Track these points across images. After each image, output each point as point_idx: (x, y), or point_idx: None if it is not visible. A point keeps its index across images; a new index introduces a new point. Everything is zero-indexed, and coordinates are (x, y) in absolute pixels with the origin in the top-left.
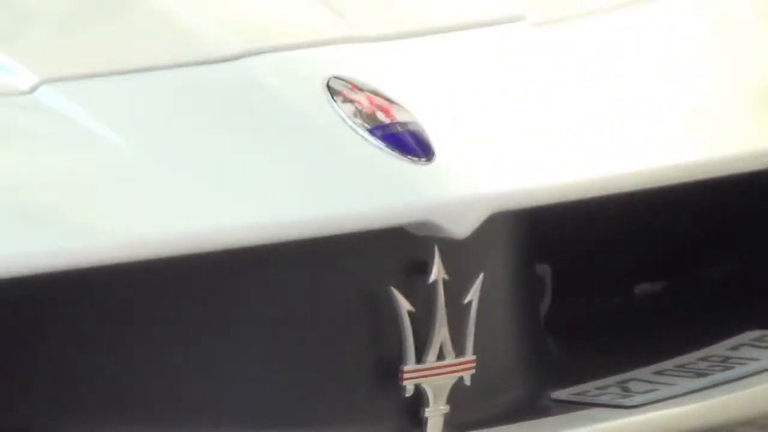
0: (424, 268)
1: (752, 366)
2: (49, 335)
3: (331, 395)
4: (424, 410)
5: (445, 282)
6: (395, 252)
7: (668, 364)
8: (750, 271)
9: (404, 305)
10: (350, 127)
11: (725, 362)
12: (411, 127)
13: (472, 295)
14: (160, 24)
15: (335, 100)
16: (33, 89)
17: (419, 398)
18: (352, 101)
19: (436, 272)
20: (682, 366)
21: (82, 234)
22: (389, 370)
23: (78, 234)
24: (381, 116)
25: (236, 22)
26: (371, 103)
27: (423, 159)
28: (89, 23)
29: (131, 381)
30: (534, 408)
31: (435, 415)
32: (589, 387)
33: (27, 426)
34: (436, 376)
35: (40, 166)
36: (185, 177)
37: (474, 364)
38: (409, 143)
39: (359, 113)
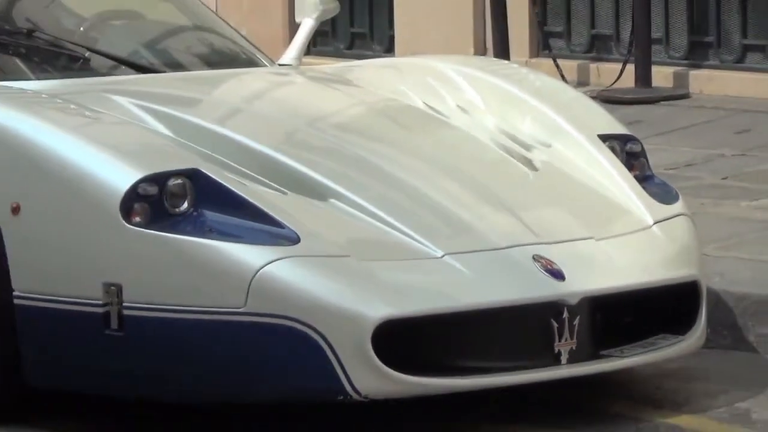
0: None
1: None
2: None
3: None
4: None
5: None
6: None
7: None
8: None
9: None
10: (539, 270)
11: None
12: (556, 267)
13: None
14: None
15: (536, 261)
16: (442, 256)
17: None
18: (541, 261)
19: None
20: None
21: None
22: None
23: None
24: (549, 266)
25: (500, 225)
26: (548, 263)
27: (561, 280)
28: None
29: None
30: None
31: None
32: None
33: None
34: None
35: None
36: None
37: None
38: (559, 274)
39: (542, 263)
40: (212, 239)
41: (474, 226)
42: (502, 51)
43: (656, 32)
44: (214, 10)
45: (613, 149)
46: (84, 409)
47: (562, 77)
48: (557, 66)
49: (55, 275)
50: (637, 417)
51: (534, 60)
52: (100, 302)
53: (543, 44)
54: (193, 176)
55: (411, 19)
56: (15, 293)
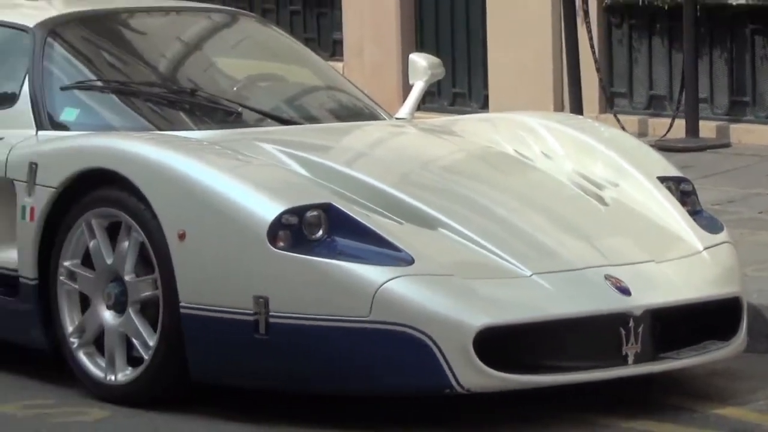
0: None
1: None
2: None
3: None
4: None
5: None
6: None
7: None
8: None
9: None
10: (610, 287)
11: None
12: (623, 285)
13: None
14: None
15: (607, 279)
16: (530, 276)
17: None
18: (611, 280)
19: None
20: None
21: None
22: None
23: None
24: (618, 284)
25: (577, 250)
26: (617, 282)
27: (628, 295)
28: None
29: None
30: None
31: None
32: None
33: None
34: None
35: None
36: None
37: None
38: (626, 291)
39: (612, 282)
40: (342, 260)
41: (556, 250)
42: (577, 108)
43: (702, 92)
44: (342, 73)
45: (669, 188)
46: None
47: (623, 129)
48: (618, 120)
49: (214, 289)
50: (691, 408)
51: (603, 116)
52: (251, 312)
53: (609, 103)
54: (327, 209)
55: (502, 82)
56: (181, 304)
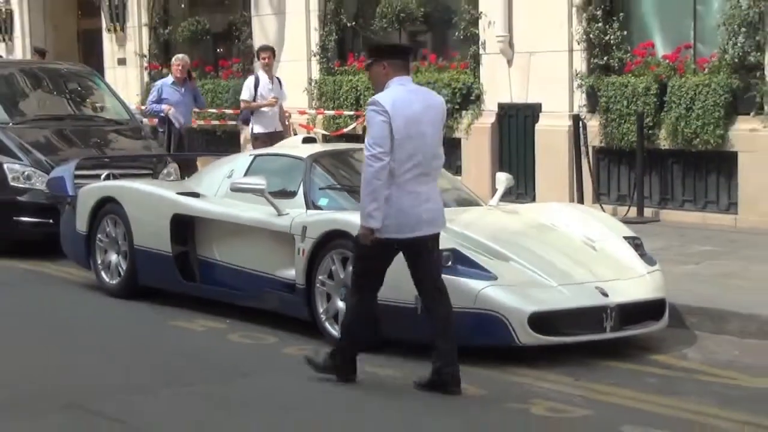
0: None
1: None
2: None
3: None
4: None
5: None
6: None
7: None
8: None
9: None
10: (598, 292)
11: None
12: (605, 291)
13: None
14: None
15: (596, 288)
16: (556, 286)
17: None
18: (599, 288)
19: None
20: None
21: None
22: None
23: None
24: (602, 291)
25: (581, 273)
26: (602, 290)
27: (607, 297)
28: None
29: None
30: None
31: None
32: None
33: None
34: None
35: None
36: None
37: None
38: (606, 294)
39: (600, 289)
40: (460, 277)
41: (569, 272)
42: (580, 200)
43: (645, 192)
44: (461, 181)
45: (628, 242)
46: None
47: (604, 211)
48: (602, 207)
49: (395, 293)
50: (636, 355)
51: (593, 204)
52: (413, 303)
53: (596, 197)
54: (453, 251)
55: (543, 186)
56: (379, 301)
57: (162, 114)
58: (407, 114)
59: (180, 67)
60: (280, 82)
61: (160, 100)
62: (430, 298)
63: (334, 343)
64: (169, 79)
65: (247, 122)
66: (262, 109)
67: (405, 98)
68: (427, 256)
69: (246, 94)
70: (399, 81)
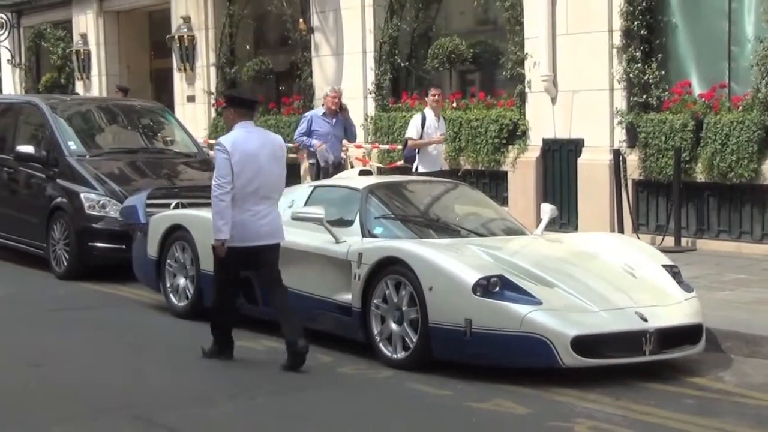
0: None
1: None
2: None
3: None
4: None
5: None
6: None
7: None
8: None
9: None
10: (638, 317)
11: None
12: (644, 316)
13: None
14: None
15: (636, 313)
16: (598, 311)
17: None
18: (639, 313)
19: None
20: None
21: None
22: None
23: None
24: (641, 316)
25: (621, 299)
26: (641, 315)
27: (646, 322)
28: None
29: None
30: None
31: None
32: None
33: None
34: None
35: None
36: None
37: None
38: (646, 319)
39: (639, 314)
40: (507, 302)
41: (610, 298)
42: (620, 230)
43: (683, 223)
44: (508, 212)
45: (667, 270)
46: None
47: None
48: (638, 237)
49: (445, 314)
50: (676, 378)
51: (633, 234)
52: (462, 326)
53: (635, 228)
54: (500, 277)
55: (585, 217)
56: (429, 321)
57: (312, 149)
58: (245, 150)
59: (336, 99)
60: (445, 120)
61: (309, 133)
62: (271, 292)
63: (384, 363)
64: (320, 110)
65: (411, 161)
66: (428, 148)
67: (244, 138)
68: (271, 260)
69: (413, 131)
70: (241, 125)
